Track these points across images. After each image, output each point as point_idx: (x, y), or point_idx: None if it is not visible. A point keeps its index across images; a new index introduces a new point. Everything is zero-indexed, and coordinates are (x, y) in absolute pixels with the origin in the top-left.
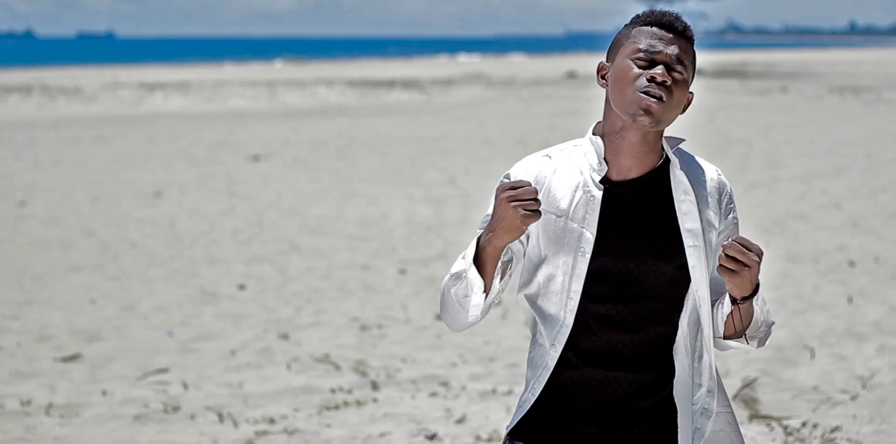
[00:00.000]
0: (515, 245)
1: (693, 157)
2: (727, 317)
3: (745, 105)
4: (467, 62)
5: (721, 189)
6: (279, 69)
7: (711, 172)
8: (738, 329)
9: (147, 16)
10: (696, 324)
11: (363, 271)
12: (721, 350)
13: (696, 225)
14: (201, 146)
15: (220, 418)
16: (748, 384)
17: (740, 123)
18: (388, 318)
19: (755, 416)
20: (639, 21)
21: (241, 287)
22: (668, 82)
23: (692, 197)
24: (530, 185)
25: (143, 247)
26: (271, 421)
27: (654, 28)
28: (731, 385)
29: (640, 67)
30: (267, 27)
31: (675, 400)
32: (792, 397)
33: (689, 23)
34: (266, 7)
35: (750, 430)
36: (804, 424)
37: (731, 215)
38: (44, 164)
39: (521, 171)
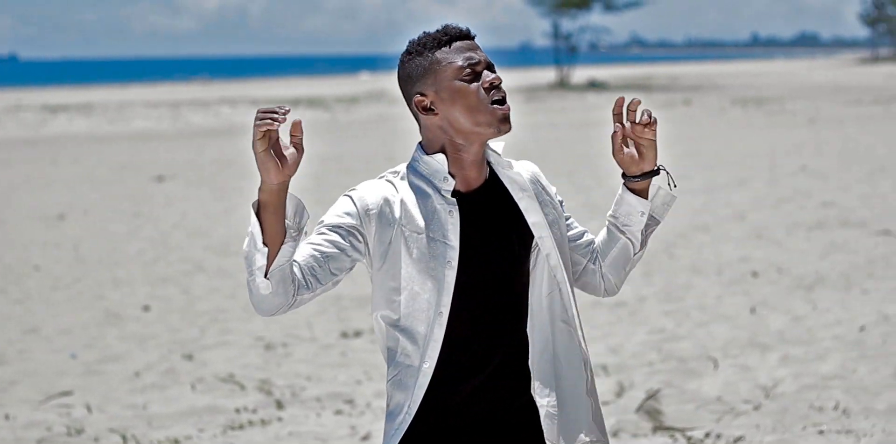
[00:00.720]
0: (341, 240)
1: (506, 159)
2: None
3: None
4: (368, 80)
5: (540, 176)
6: (183, 90)
7: (526, 166)
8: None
9: (50, 38)
10: (551, 314)
11: None
12: (624, 271)
13: (540, 217)
14: (105, 168)
15: (124, 439)
16: (652, 396)
17: None
18: (293, 337)
19: (659, 428)
20: (433, 44)
21: (146, 308)
22: (502, 83)
23: (529, 192)
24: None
25: (47, 270)
26: (175, 442)
27: (456, 43)
28: (635, 397)
29: (471, 82)
30: (171, 48)
31: (535, 399)
32: (695, 408)
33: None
34: (169, 27)
35: (653, 442)
36: (707, 434)
37: (556, 195)
38: None
39: (368, 190)
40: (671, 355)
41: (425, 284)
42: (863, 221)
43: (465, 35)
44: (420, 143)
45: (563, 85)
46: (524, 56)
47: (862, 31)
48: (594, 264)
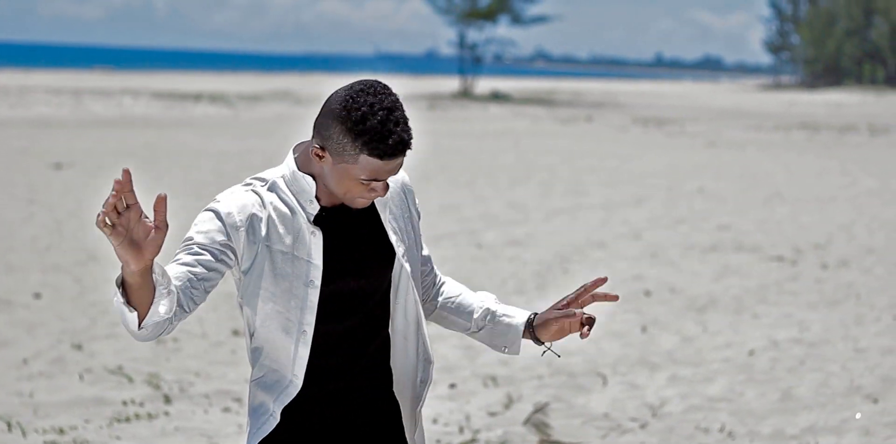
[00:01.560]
0: (212, 260)
1: None
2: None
3: (551, 132)
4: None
5: (406, 187)
6: (86, 78)
7: (398, 174)
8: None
9: None
10: (416, 322)
11: None
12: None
13: (401, 230)
14: (2, 153)
15: (9, 427)
16: (540, 409)
17: (545, 151)
18: (184, 332)
19: (545, 441)
20: (372, 145)
21: (37, 296)
22: (387, 190)
23: (392, 205)
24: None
25: None
26: (61, 432)
27: (388, 158)
28: (523, 410)
29: (361, 183)
30: (76, 36)
31: (398, 398)
32: (582, 423)
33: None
34: (75, 15)
35: None
36: None
37: (417, 208)
38: None
39: (233, 204)
40: (561, 370)
41: (288, 302)
42: (757, 245)
43: (395, 155)
44: (296, 148)
45: (466, 95)
46: (429, 63)
47: (765, 58)
48: (426, 294)
